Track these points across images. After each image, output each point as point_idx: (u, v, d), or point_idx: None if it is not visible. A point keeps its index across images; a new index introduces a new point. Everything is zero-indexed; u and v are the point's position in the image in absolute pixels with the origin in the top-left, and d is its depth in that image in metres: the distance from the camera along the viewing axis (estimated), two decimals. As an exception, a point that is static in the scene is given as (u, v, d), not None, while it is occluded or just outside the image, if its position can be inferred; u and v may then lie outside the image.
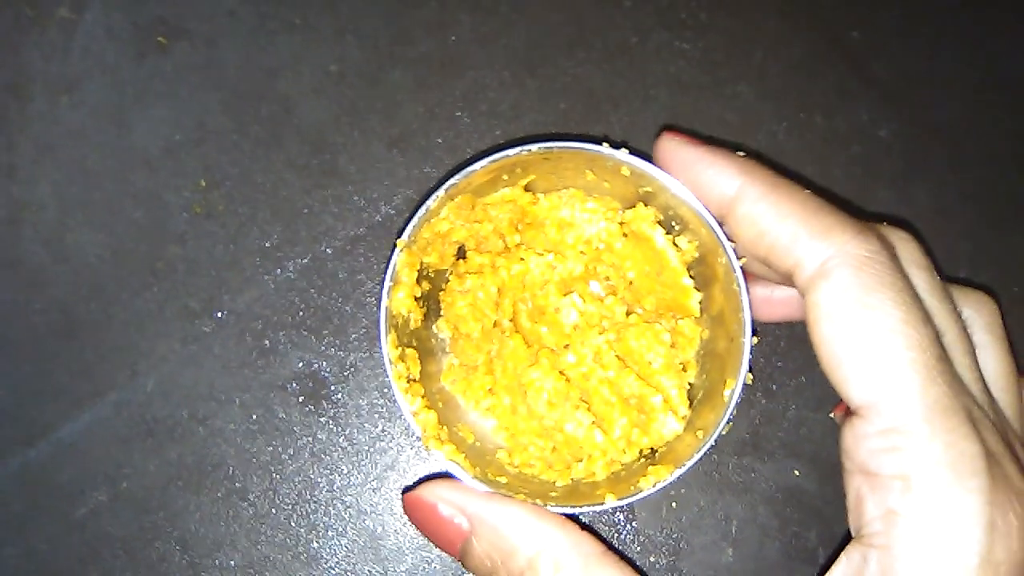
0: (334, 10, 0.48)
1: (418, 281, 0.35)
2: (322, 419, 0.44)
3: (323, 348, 0.44)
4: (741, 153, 0.31)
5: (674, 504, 0.44)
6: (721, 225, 0.32)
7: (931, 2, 0.51)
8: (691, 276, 0.36)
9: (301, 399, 0.44)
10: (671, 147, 0.32)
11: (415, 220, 0.32)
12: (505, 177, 0.35)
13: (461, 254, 0.38)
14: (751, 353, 0.31)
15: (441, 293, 0.37)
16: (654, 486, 0.31)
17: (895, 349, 0.26)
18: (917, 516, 0.24)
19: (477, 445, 0.35)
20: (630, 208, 0.36)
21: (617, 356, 0.35)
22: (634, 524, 0.44)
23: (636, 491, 0.31)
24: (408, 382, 0.33)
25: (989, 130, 0.50)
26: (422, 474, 0.43)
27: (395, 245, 0.32)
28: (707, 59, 0.49)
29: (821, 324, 0.27)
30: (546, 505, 0.31)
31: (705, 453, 0.31)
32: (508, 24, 0.49)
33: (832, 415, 0.44)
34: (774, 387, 0.45)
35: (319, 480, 0.43)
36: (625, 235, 0.37)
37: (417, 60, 0.48)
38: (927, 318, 0.27)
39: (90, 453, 0.43)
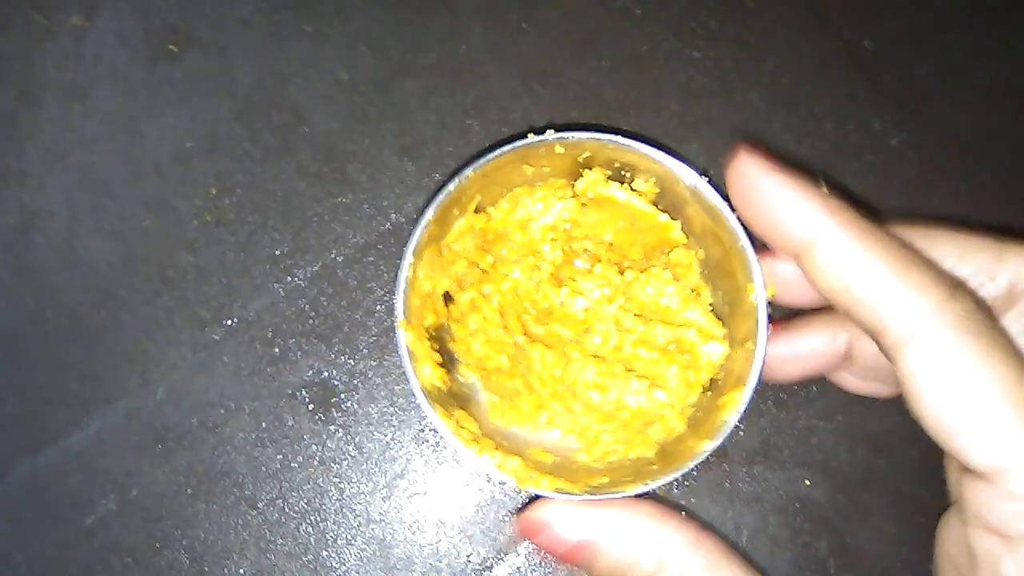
0: (345, 18, 0.48)
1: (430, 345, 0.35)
2: (331, 427, 0.44)
3: (333, 356, 0.44)
4: (824, 187, 0.28)
5: (684, 513, 0.44)
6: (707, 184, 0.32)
7: (943, 10, 0.51)
8: (662, 210, 0.36)
9: (311, 407, 0.44)
10: (750, 171, 0.29)
11: (399, 295, 0.32)
12: (455, 211, 0.35)
13: (448, 299, 0.37)
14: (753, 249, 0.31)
15: (450, 344, 0.37)
16: (736, 411, 0.31)
17: (1014, 410, 0.25)
18: None
19: (558, 460, 0.35)
20: (577, 179, 0.36)
21: (635, 315, 0.35)
22: (644, 534, 0.44)
23: (722, 424, 0.31)
24: (475, 441, 0.32)
25: (1002, 138, 0.49)
26: (432, 482, 0.43)
27: (396, 325, 0.33)
28: (717, 67, 0.49)
29: (926, 390, 0.25)
30: (653, 481, 0.30)
31: (764, 359, 0.31)
32: (518, 33, 0.49)
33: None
34: (784, 396, 0.45)
35: (328, 488, 0.43)
36: (584, 204, 0.37)
37: (428, 68, 0.48)
38: None
39: (99, 460, 0.43)
